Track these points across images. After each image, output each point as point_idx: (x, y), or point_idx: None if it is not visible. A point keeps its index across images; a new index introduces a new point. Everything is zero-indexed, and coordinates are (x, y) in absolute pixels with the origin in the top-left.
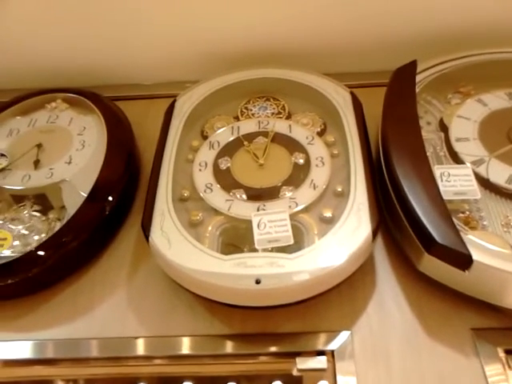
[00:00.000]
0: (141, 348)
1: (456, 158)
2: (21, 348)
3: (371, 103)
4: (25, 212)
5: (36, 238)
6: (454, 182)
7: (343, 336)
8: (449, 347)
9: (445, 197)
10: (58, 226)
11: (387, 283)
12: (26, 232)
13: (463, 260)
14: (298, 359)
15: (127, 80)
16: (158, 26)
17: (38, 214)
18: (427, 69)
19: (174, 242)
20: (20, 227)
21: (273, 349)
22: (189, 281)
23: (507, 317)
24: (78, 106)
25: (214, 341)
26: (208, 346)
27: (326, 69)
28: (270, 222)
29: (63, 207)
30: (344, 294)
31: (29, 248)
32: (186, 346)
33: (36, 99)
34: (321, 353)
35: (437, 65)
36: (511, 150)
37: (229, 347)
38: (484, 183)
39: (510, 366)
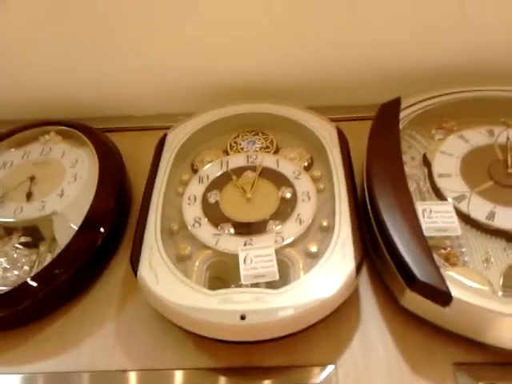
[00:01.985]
0: (129, 382)
1: (438, 194)
2: (9, 382)
3: (357, 137)
4: (10, 245)
5: (16, 272)
6: (436, 218)
7: (328, 370)
8: (431, 382)
9: (426, 233)
10: (48, 258)
11: (372, 318)
12: (7, 266)
13: (443, 297)
14: None
15: (120, 111)
16: (150, 58)
17: (21, 247)
18: (411, 105)
19: (161, 276)
20: (2, 260)
21: (259, 383)
22: (176, 316)
23: (489, 352)
24: (71, 139)
25: (201, 375)
26: (195, 380)
27: (313, 102)
28: (257, 257)
29: (54, 239)
30: (329, 328)
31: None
32: (173, 380)
33: (30, 132)
34: None
35: (421, 101)
36: (492, 186)
37: (215, 381)
38: (465, 219)
39: None
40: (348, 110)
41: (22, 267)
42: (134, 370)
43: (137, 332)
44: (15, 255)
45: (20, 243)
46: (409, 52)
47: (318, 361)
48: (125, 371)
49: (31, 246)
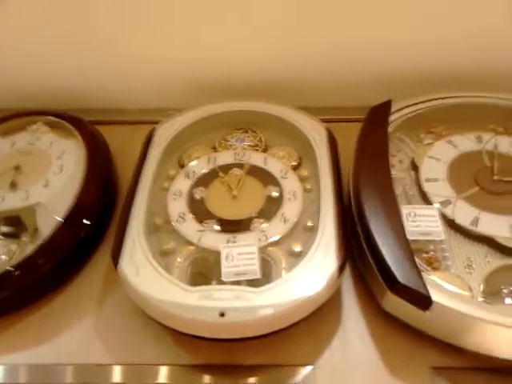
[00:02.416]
0: (108, 375)
1: (425, 198)
2: None
3: (348, 138)
4: None
5: None
6: (420, 222)
7: (306, 370)
8: None
9: (410, 237)
10: (29, 248)
11: (353, 320)
12: None
13: (423, 300)
14: None
15: (111, 104)
16: (144, 52)
17: (1, 236)
18: (401, 108)
19: (142, 270)
20: None
21: (237, 381)
22: (155, 310)
23: (467, 357)
24: (59, 129)
25: (178, 371)
26: (172, 376)
27: (305, 103)
28: (239, 254)
29: (37, 230)
30: (310, 328)
31: None
32: (149, 375)
33: (17, 121)
34: None
35: (411, 105)
36: (477, 192)
37: (193, 378)
38: (450, 224)
39: None
40: (340, 111)
41: (0, 256)
42: (112, 364)
43: (116, 326)
44: None
45: (1, 233)
46: (402, 55)
47: (299, 360)
48: (103, 365)
49: (12, 236)
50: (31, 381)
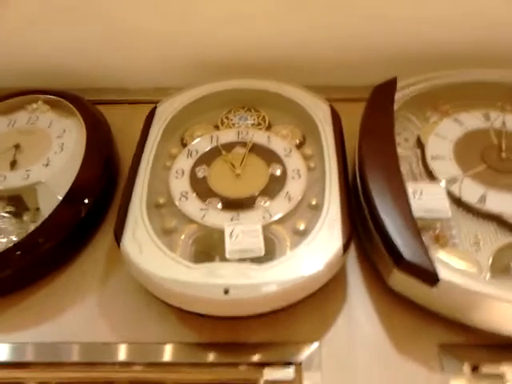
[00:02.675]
0: (110, 353)
1: (431, 176)
2: None
3: (351, 117)
4: None
5: (4, 240)
6: (426, 199)
7: (311, 348)
8: (416, 362)
9: (416, 214)
10: (32, 228)
11: (358, 297)
12: None
13: (430, 277)
14: (265, 370)
15: (111, 84)
16: (145, 31)
17: (8, 215)
18: (407, 86)
19: (145, 248)
20: None
21: (241, 359)
22: (158, 288)
23: (474, 333)
24: (59, 108)
25: (181, 349)
26: (176, 354)
27: (307, 81)
28: (243, 232)
29: (38, 209)
30: (315, 306)
31: None
32: (153, 353)
33: (17, 99)
34: (288, 364)
35: (417, 83)
36: (484, 169)
37: (197, 356)
38: (456, 202)
39: (475, 383)
40: (344, 90)
41: (9, 236)
42: (117, 343)
43: (120, 305)
44: (3, 224)
45: (6, 212)
46: (408, 32)
47: (303, 338)
48: (107, 344)
49: (14, 215)
50: (37, 359)
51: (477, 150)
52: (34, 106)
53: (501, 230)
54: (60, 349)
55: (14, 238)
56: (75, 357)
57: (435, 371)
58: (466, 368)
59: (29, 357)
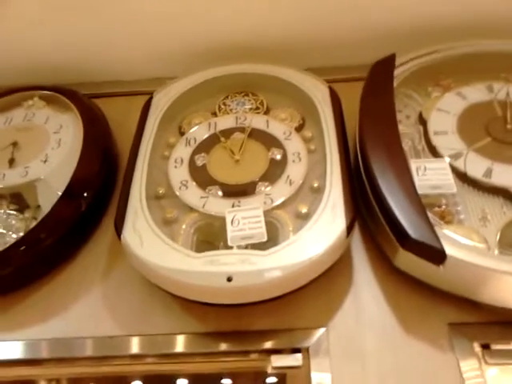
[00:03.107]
0: (114, 346)
1: (434, 152)
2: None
3: (351, 98)
4: (1, 211)
5: (14, 236)
6: (430, 175)
7: (318, 333)
8: (425, 342)
9: (420, 191)
10: (33, 224)
11: (364, 279)
12: (4, 231)
13: (437, 255)
14: (272, 357)
15: (107, 77)
16: (137, 22)
17: (14, 212)
18: (406, 62)
19: (146, 239)
20: None
21: (248, 347)
22: (161, 279)
23: (484, 311)
24: (55, 104)
25: (187, 339)
26: (183, 345)
27: (305, 63)
28: (244, 218)
29: (39, 206)
30: (320, 290)
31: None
32: (159, 344)
33: (13, 97)
34: (296, 350)
35: (416, 58)
36: (489, 143)
37: (204, 345)
38: (461, 177)
39: (485, 361)
40: (343, 70)
41: (18, 233)
42: (120, 336)
43: (124, 297)
44: (9, 220)
45: (11, 209)
46: (404, 6)
47: (309, 323)
48: (112, 337)
49: (15, 213)
50: (50, 355)
51: (481, 123)
52: (30, 102)
53: (508, 204)
54: (72, 344)
55: (8, 234)
56: (88, 351)
57: (445, 351)
58: (477, 346)
59: (41, 353)
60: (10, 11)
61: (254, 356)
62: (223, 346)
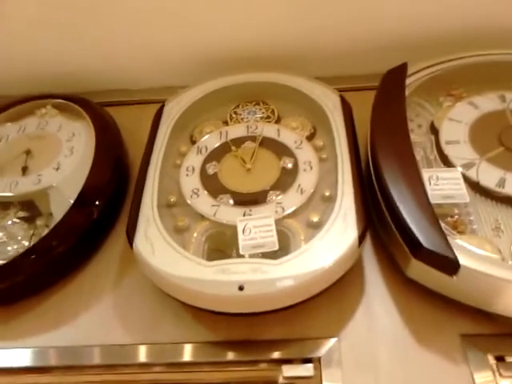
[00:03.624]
0: (122, 355)
1: (446, 161)
2: (3, 356)
3: (362, 107)
4: (7, 219)
5: (15, 246)
6: (443, 185)
7: (330, 343)
8: (438, 354)
9: (433, 200)
10: (46, 232)
11: (376, 289)
12: (6, 240)
13: (450, 265)
14: (284, 367)
15: (119, 85)
16: (148, 31)
17: (20, 221)
18: (418, 71)
19: (157, 248)
20: (0, 234)
21: (258, 356)
22: (172, 287)
23: (498, 323)
24: (68, 112)
25: (198, 348)
26: (192, 354)
27: (316, 72)
28: (255, 227)
29: (51, 214)
30: (332, 299)
31: (7, 255)
32: (169, 353)
33: (26, 105)
34: (307, 360)
35: (428, 67)
36: (502, 152)
37: (214, 354)
38: (474, 186)
39: (500, 374)
40: (354, 79)
41: (21, 241)
42: (130, 344)
43: (135, 305)
44: (13, 230)
45: (18, 218)
46: (415, 16)
47: (321, 333)
48: (122, 345)
49: (28, 220)
50: (58, 363)
51: (493, 133)
52: (43, 110)
53: None
54: (81, 352)
55: (26, 243)
56: (96, 360)
57: (458, 363)
58: (491, 359)
59: (50, 361)
60: (21, 22)
61: (264, 366)
62: (233, 356)
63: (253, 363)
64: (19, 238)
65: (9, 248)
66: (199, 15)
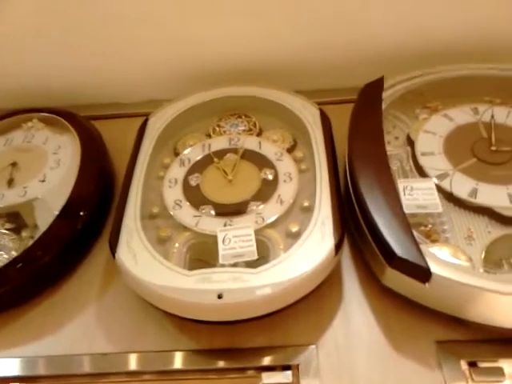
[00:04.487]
0: (111, 363)
1: (421, 172)
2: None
3: (341, 119)
4: None
5: (6, 256)
6: (417, 195)
7: (308, 350)
8: (414, 360)
9: (407, 210)
10: (31, 243)
11: (354, 297)
12: None
13: (422, 273)
14: (263, 374)
15: (106, 99)
16: (134, 46)
17: (8, 232)
18: (395, 84)
19: (140, 258)
20: None
21: (239, 364)
22: (154, 297)
23: (470, 329)
24: (54, 126)
25: (180, 356)
26: (175, 362)
27: (296, 86)
28: (235, 237)
29: (36, 225)
30: (311, 307)
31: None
32: (152, 362)
33: (12, 119)
34: (287, 367)
35: (405, 81)
36: (475, 163)
37: (195, 362)
38: (448, 197)
39: (472, 379)
40: (333, 93)
41: (10, 252)
42: (113, 353)
43: (119, 316)
44: (2, 241)
45: (5, 229)
46: (392, 32)
47: (300, 341)
48: (105, 354)
49: (14, 232)
50: (47, 372)
51: (467, 145)
52: (30, 124)
53: (493, 223)
54: (68, 361)
55: (15, 254)
56: (85, 368)
57: (433, 369)
58: (464, 364)
59: (38, 370)
60: (7, 34)
61: (246, 373)
62: (216, 364)
63: (233, 371)
64: (8, 249)
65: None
66: (184, 31)
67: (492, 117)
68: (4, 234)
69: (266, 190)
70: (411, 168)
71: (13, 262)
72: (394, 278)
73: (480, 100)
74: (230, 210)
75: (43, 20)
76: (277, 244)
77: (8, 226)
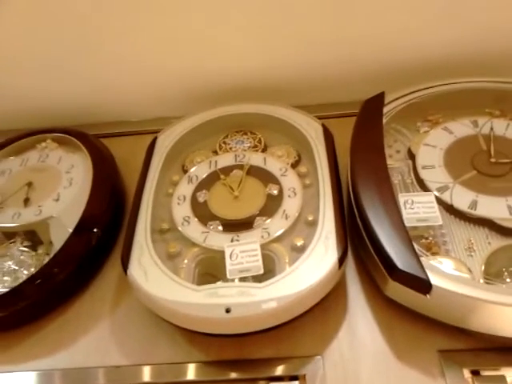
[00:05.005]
0: (121, 376)
1: (422, 185)
2: (5, 381)
3: (344, 133)
4: (15, 248)
5: (25, 272)
6: (417, 209)
7: (315, 361)
8: (417, 370)
9: (408, 224)
10: (46, 260)
11: (358, 309)
12: (16, 267)
13: (423, 285)
14: None
15: (115, 117)
16: (143, 64)
17: (27, 249)
18: (396, 99)
19: (150, 274)
20: (10, 263)
21: (248, 374)
22: (165, 311)
23: (473, 338)
24: (67, 145)
25: (191, 368)
26: (186, 373)
27: (300, 101)
28: (242, 252)
29: (51, 242)
30: (316, 319)
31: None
32: (164, 374)
33: (27, 140)
34: (294, 377)
35: (405, 95)
36: (474, 176)
37: (206, 374)
38: (448, 209)
39: None
40: (335, 107)
41: (30, 269)
42: (128, 366)
43: (130, 329)
44: (22, 257)
45: (24, 246)
46: (392, 48)
47: (306, 352)
48: (118, 367)
49: (30, 250)
50: None
51: (466, 157)
52: (44, 144)
53: (493, 235)
54: (84, 373)
55: (33, 270)
56: (100, 381)
57: (436, 377)
58: (467, 373)
59: (54, 383)
60: (22, 58)
61: (257, 383)
62: (226, 375)
63: (245, 381)
64: (28, 265)
65: (19, 275)
66: (191, 50)
67: (491, 129)
68: (23, 251)
69: (271, 205)
70: (412, 181)
71: (31, 279)
72: (397, 290)
73: (480, 112)
74: (237, 226)
75: (52, 42)
76: (282, 258)
77: (26, 243)
